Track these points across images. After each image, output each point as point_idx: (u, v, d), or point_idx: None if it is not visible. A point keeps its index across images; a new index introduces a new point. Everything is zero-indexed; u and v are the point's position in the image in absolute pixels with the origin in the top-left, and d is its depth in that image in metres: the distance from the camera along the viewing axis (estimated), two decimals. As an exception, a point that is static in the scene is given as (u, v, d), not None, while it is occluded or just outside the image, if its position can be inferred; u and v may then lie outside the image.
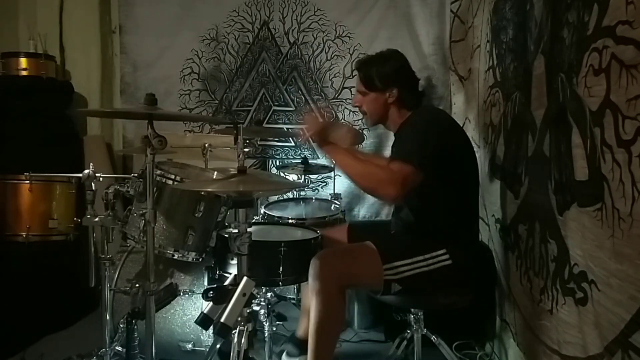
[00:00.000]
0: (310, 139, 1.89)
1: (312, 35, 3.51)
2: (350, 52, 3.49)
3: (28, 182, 2.63)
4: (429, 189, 1.81)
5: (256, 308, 1.99)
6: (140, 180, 1.81)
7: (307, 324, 2.14)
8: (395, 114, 2.01)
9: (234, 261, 1.49)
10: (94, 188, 1.91)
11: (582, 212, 1.33)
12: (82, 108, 3.46)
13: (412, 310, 2.00)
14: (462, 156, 1.92)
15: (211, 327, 1.45)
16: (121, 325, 1.95)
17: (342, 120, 3.51)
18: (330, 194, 3.13)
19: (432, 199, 1.81)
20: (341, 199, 3.13)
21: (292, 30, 3.53)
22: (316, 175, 3.45)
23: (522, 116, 1.90)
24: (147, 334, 1.59)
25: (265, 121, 3.56)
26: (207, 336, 2.12)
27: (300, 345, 2.24)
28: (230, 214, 2.14)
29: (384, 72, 1.96)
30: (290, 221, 2.44)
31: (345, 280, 1.79)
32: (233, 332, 1.38)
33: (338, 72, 3.51)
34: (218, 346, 2.00)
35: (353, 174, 1.81)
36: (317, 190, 3.57)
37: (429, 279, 1.79)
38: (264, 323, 2.02)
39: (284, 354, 2.28)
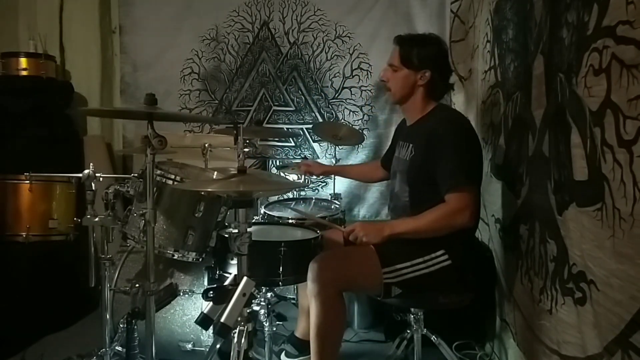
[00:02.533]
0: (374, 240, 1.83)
1: (312, 35, 3.51)
2: (350, 52, 3.49)
3: (28, 182, 2.63)
4: (432, 192, 1.81)
5: (256, 308, 1.98)
6: (140, 180, 1.81)
7: (305, 323, 2.15)
8: (419, 99, 1.96)
9: (234, 261, 1.48)
10: (94, 188, 1.91)
11: (581, 212, 1.33)
12: (82, 108, 3.46)
13: (412, 310, 2.00)
14: (478, 161, 1.91)
15: (211, 327, 1.44)
16: (121, 325, 1.95)
17: (342, 121, 3.51)
18: (330, 194, 3.13)
19: (430, 201, 1.81)
20: (341, 199, 3.13)
21: (292, 30, 3.53)
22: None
23: (522, 116, 1.90)
24: (147, 334, 1.58)
25: (265, 121, 3.56)
26: (207, 336, 2.11)
27: (299, 345, 2.24)
28: (230, 214, 2.14)
29: (424, 52, 1.92)
30: (290, 221, 2.44)
31: (343, 284, 1.79)
32: (233, 332, 1.38)
33: (338, 72, 3.52)
34: (218, 346, 2.00)
35: (426, 232, 1.77)
36: (317, 190, 3.57)
37: (429, 280, 1.79)
38: (264, 323, 2.02)
39: (283, 354, 2.28)
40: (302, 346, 2.21)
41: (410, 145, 1.95)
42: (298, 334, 2.29)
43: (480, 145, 1.96)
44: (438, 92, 1.98)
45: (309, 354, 1.80)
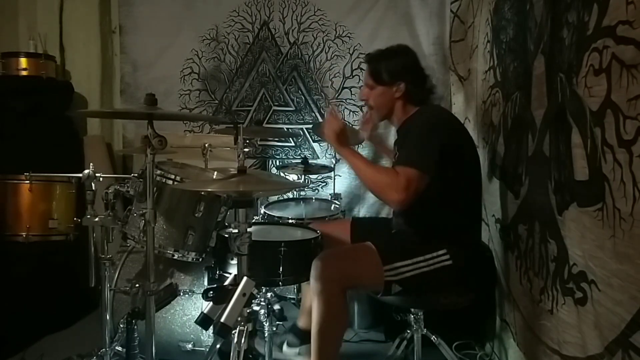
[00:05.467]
0: (328, 137, 1.91)
1: (312, 35, 3.51)
2: (350, 52, 3.49)
3: (28, 182, 2.63)
4: (430, 190, 1.81)
5: (256, 308, 1.99)
6: (140, 180, 1.81)
7: (308, 316, 2.16)
8: (400, 109, 1.99)
9: (234, 261, 1.49)
10: (94, 188, 1.91)
11: (582, 212, 1.33)
12: (82, 108, 3.46)
13: (412, 310, 2.00)
14: (465, 157, 1.91)
15: (211, 327, 1.45)
16: (121, 325, 1.95)
17: (342, 121, 3.50)
18: (330, 194, 3.13)
19: (433, 200, 1.81)
20: (341, 199, 3.13)
21: (292, 30, 3.53)
22: (316, 175, 3.45)
23: (522, 116, 1.90)
24: (147, 334, 1.58)
25: (265, 121, 3.56)
26: (207, 336, 2.11)
27: (301, 335, 2.25)
28: (230, 214, 2.14)
29: (392, 66, 1.96)
30: (290, 221, 2.44)
31: (346, 281, 1.80)
32: (233, 332, 1.38)
33: (338, 72, 3.52)
34: (218, 346, 2.00)
35: (363, 177, 1.83)
36: (317, 190, 3.57)
37: (430, 279, 1.79)
38: (264, 323, 2.02)
39: (285, 344, 2.28)
40: (303, 335, 2.22)
41: (396, 147, 2.02)
42: (300, 324, 2.30)
43: (454, 141, 1.87)
44: (417, 98, 1.99)
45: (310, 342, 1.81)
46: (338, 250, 1.95)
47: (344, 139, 1.90)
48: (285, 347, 2.28)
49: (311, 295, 1.81)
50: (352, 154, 1.89)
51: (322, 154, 3.59)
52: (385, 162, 3.40)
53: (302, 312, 2.32)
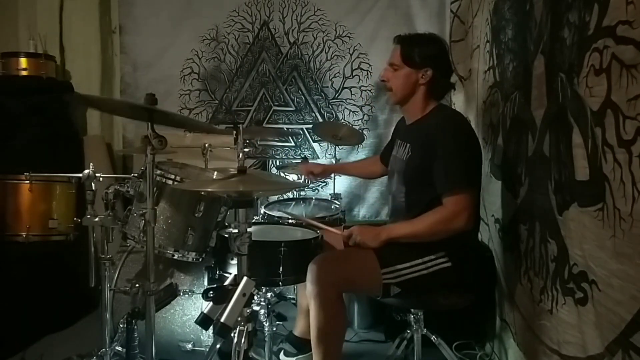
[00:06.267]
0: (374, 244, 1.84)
1: (312, 35, 3.51)
2: (350, 52, 3.50)
3: (28, 182, 2.63)
4: (429, 193, 1.81)
5: (256, 308, 1.98)
6: (140, 180, 1.81)
7: (304, 322, 2.15)
8: (420, 98, 1.93)
9: (234, 261, 1.49)
10: (94, 188, 1.91)
11: (582, 212, 1.33)
12: (82, 108, 3.46)
13: (412, 310, 2.00)
14: (477, 165, 1.90)
15: (211, 327, 1.44)
16: (121, 325, 1.95)
17: (342, 121, 3.51)
18: (330, 194, 3.13)
19: (431, 203, 1.80)
20: (341, 199, 3.13)
21: (292, 30, 3.53)
22: (316, 175, 3.45)
23: (521, 116, 1.90)
24: (147, 334, 1.58)
25: (265, 121, 3.56)
26: (207, 336, 2.11)
27: (298, 343, 2.24)
28: (230, 214, 2.14)
29: (425, 51, 1.91)
30: (290, 221, 2.43)
31: (343, 285, 1.79)
32: (233, 332, 1.38)
33: (338, 72, 3.52)
34: (218, 346, 2.00)
35: (422, 235, 1.78)
36: (317, 190, 3.57)
37: (428, 281, 1.78)
38: (264, 323, 2.02)
39: (282, 353, 2.28)
40: (300, 344, 2.22)
41: (408, 145, 1.94)
42: (297, 332, 2.29)
43: (480, 147, 1.95)
44: (439, 91, 1.96)
45: (308, 352, 1.80)
46: (334, 253, 1.94)
47: (379, 232, 1.83)
48: (282, 356, 2.28)
49: (308, 299, 1.80)
50: (395, 230, 1.84)
51: (322, 153, 3.60)
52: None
53: (299, 317, 2.29)
